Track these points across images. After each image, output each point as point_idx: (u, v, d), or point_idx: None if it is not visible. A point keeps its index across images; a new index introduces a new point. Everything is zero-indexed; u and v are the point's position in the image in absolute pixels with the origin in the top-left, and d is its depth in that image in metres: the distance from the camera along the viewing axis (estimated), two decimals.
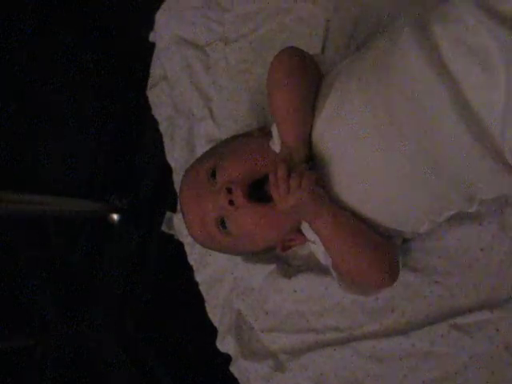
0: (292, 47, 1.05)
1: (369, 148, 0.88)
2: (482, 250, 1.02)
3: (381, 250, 0.98)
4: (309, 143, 0.98)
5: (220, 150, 1.10)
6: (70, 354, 1.82)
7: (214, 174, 1.04)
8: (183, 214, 1.14)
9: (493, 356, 0.97)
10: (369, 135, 0.88)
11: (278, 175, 0.93)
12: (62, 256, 1.88)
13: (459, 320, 1.01)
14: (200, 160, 1.14)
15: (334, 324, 1.13)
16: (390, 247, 1.00)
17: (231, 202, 0.99)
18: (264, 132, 1.10)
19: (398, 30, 0.87)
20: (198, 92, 1.42)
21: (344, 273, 1.03)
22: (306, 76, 1.00)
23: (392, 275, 1.00)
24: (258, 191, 0.99)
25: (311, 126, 0.98)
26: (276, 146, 1.02)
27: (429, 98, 0.81)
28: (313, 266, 1.17)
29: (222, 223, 1.04)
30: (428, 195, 0.90)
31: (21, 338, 1.94)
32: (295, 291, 1.18)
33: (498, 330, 0.97)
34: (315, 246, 1.05)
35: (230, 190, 0.99)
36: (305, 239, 1.08)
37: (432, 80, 0.80)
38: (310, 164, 0.97)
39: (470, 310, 1.00)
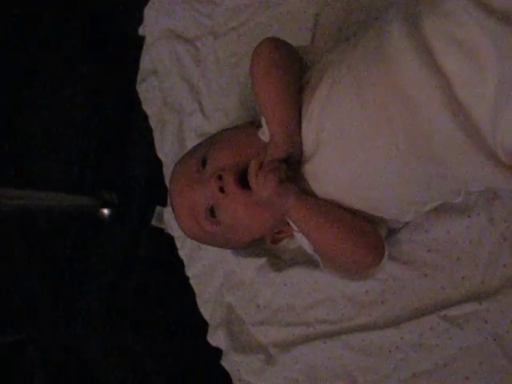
0: (271, 38, 1.04)
1: (357, 137, 0.88)
2: (470, 242, 1.02)
3: (360, 230, 0.98)
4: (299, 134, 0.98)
5: (209, 141, 1.10)
6: (60, 351, 1.83)
7: (204, 164, 1.04)
8: (172, 206, 1.14)
9: (481, 347, 0.97)
10: (357, 125, 0.88)
11: (249, 171, 0.96)
12: (51, 251, 1.88)
13: (448, 312, 1.01)
14: (189, 153, 1.14)
15: (324, 317, 1.14)
16: (371, 226, 1.00)
17: (222, 189, 0.99)
18: (255, 125, 1.10)
19: (388, 23, 0.87)
20: (187, 86, 1.42)
21: (328, 258, 1.04)
22: (287, 67, 1.00)
23: (376, 252, 1.00)
24: (246, 180, 0.99)
25: (300, 116, 0.98)
26: (265, 135, 1.02)
27: (419, 93, 0.81)
28: (303, 260, 1.18)
29: (211, 212, 1.04)
30: (414, 185, 0.90)
31: (10, 334, 1.94)
32: (285, 285, 1.18)
33: (486, 322, 0.97)
34: (300, 235, 1.06)
35: (220, 177, 0.99)
36: (292, 232, 1.08)
37: (422, 75, 0.80)
38: (295, 157, 0.97)
39: (459, 302, 1.01)
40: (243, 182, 0.99)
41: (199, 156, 1.06)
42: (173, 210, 1.14)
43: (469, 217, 1.02)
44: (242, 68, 1.34)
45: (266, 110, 0.99)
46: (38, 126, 1.96)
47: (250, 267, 1.22)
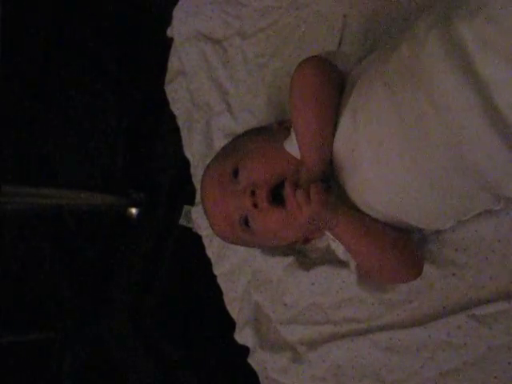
0: (315, 58, 1.03)
1: (396, 154, 0.88)
2: (499, 241, 1.02)
3: (402, 247, 1.00)
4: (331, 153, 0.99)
5: (240, 149, 1.10)
6: (87, 349, 1.84)
7: (236, 174, 1.05)
8: (206, 211, 1.16)
9: (510, 346, 0.98)
10: (395, 141, 0.88)
11: (286, 193, 0.97)
12: (80, 250, 1.90)
13: (476, 311, 1.01)
14: (221, 158, 1.14)
15: (351, 316, 1.14)
16: (410, 242, 1.02)
17: (255, 205, 1.01)
18: (284, 126, 1.11)
19: (422, 33, 0.85)
20: (215, 86, 1.43)
21: (367, 272, 1.06)
22: (331, 90, 0.99)
23: (417, 268, 1.03)
24: (279, 194, 1.01)
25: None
26: (294, 149, 1.02)
27: (459, 106, 0.80)
28: (330, 259, 1.18)
29: (245, 221, 1.06)
30: (456, 198, 0.90)
31: (39, 331, 1.96)
32: (313, 284, 1.19)
33: None
34: (335, 243, 1.09)
35: (253, 193, 1.01)
36: (324, 232, 1.09)
37: (462, 88, 0.78)
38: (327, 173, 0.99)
39: (488, 301, 1.01)
40: (276, 197, 1.01)
41: (231, 165, 1.07)
42: (206, 214, 1.17)
43: (497, 217, 1.02)
44: (269, 68, 1.34)
45: (302, 137, 0.99)
46: (66, 125, 1.98)
47: (278, 266, 1.23)
